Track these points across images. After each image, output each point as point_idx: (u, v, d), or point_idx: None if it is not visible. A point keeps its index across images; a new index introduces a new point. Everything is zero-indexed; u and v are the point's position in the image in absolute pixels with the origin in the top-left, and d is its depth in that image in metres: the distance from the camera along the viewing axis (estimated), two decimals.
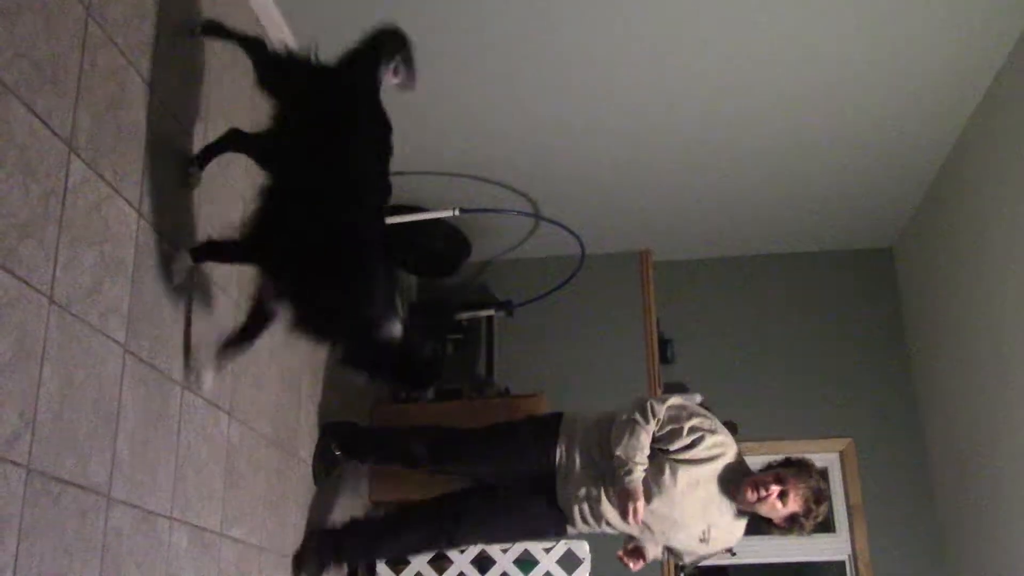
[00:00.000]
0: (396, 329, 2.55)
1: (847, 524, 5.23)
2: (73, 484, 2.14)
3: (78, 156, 2.23)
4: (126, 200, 2.45)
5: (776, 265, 5.73)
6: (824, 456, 5.42)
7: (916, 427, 5.32)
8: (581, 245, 5.17)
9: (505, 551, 4.03)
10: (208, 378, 2.78)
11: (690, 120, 4.35)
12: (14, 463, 1.93)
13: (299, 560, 3.48)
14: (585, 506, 3.43)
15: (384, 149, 2.70)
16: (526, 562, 4.05)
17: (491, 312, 5.38)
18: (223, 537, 2.96)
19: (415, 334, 2.64)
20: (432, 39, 3.75)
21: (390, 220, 4.74)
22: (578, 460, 3.44)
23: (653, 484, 3.33)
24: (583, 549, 4.04)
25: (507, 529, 3.68)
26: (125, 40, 2.49)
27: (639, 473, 3.30)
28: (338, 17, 3.45)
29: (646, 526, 3.40)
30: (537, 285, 5.46)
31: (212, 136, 2.94)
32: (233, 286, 3.09)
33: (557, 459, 3.48)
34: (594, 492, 3.40)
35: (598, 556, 4.04)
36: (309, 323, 2.56)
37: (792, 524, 3.32)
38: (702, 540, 3.43)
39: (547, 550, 4.05)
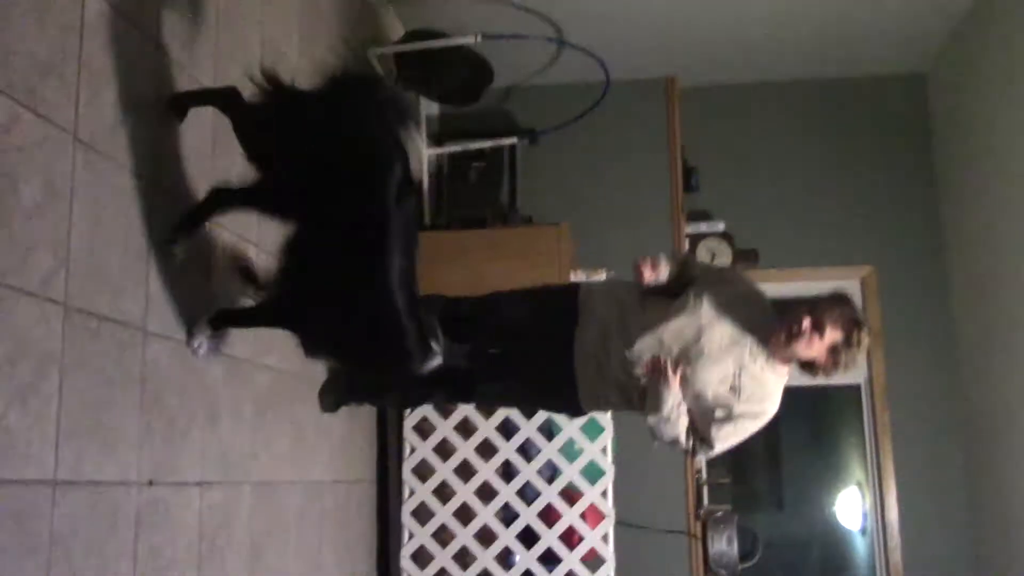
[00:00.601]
0: (436, 361, 2.51)
1: None
2: (110, 319, 2.20)
3: None
4: (144, 35, 2.41)
5: (805, 91, 5.60)
6: (845, 283, 5.46)
7: (939, 255, 5.33)
8: (606, 71, 5.05)
9: (529, 418, 4.03)
10: (203, 347, 2.65)
11: None
12: (52, 301, 1.98)
13: (320, 394, 3.62)
14: (598, 341, 3.18)
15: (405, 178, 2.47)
16: (549, 429, 4.06)
17: (514, 140, 5.33)
18: (256, 365, 3.06)
19: (452, 347, 2.58)
20: None
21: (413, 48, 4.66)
22: (600, 302, 3.25)
23: (679, 308, 3.09)
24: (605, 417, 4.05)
25: (512, 390, 3.49)
26: None
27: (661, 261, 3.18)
28: None
29: (667, 347, 3.08)
30: (561, 112, 5.38)
31: None
32: None
33: (580, 298, 3.30)
34: (613, 325, 3.16)
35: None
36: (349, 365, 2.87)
37: (836, 357, 2.96)
38: (732, 389, 3.06)
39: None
